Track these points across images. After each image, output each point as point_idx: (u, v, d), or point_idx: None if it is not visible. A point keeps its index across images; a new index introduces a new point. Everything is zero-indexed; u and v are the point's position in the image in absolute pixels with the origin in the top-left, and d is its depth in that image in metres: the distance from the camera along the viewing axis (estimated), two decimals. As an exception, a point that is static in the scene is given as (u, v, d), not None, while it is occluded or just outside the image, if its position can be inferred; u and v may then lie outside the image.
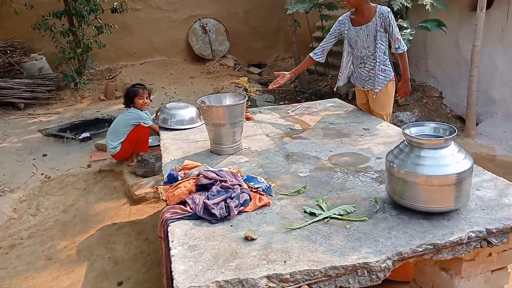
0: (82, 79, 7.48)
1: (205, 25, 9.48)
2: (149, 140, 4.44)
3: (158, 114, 3.42)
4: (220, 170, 2.11)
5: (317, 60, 3.34)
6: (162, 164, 2.61)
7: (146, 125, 4.17)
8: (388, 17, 3.02)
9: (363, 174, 2.25)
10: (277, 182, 2.22)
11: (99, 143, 5.00)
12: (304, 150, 2.68)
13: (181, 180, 2.09)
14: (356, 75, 3.37)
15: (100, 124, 6.00)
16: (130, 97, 4.15)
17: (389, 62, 3.20)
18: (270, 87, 3.35)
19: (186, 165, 2.23)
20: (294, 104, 3.96)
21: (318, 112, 3.58)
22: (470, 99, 4.28)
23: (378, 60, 3.13)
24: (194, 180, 2.04)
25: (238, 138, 2.73)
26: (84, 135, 5.52)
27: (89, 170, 4.50)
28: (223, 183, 1.98)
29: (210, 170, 2.05)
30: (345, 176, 2.24)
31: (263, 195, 2.01)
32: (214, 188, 1.94)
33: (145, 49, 9.41)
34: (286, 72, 3.38)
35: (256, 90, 7.53)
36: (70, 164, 4.68)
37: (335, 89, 4.22)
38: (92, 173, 4.42)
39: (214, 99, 2.82)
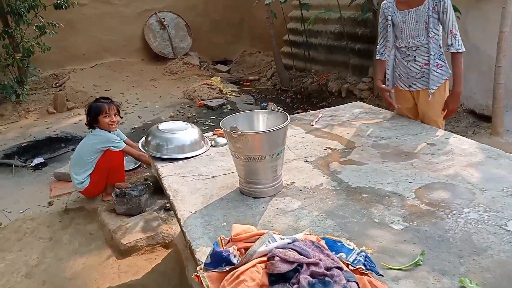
0: (24, 89, 6.38)
1: (162, 19, 8.57)
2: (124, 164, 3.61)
3: (149, 139, 2.62)
4: (295, 241, 1.40)
5: (385, 58, 2.82)
6: (182, 222, 1.85)
7: (117, 149, 3.34)
8: (443, 0, 2.41)
9: (486, 220, 1.62)
10: (368, 244, 1.54)
11: (59, 172, 4.07)
12: (371, 182, 2.03)
13: (239, 263, 1.35)
14: (400, 72, 2.74)
15: (54, 145, 5.04)
16: (93, 116, 3.30)
17: (444, 57, 2.59)
18: (391, 108, 2.91)
19: (238, 234, 1.48)
20: (312, 112, 3.28)
21: (349, 121, 2.93)
22: (497, 92, 3.82)
23: (432, 53, 2.53)
24: (263, 265, 1.31)
25: (279, 173, 2.02)
26: (37, 160, 4.55)
27: (52, 210, 3.60)
28: (313, 268, 1.27)
29: (287, 247, 1.33)
30: (461, 225, 1.61)
31: (370, 276, 1.32)
32: (304, 280, 1.23)
33: (94, 50, 8.37)
34: (383, 86, 2.87)
35: (232, 91, 6.80)
36: (25, 203, 3.74)
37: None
38: (56, 214, 3.52)
39: (242, 121, 2.09)
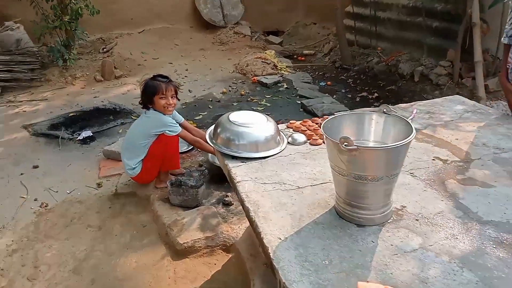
0: (71, 54, 6.15)
1: (214, -16, 8.08)
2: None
3: (218, 131, 2.26)
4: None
5: None
6: (270, 252, 1.49)
7: (173, 134, 3.00)
8: None
9: None
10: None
11: (109, 150, 3.81)
12: (508, 214, 1.59)
13: None
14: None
15: (102, 117, 4.80)
16: (148, 95, 2.96)
17: None
18: None
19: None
20: (403, 106, 2.81)
21: (453, 122, 2.46)
22: None
23: None
24: None
25: (392, 198, 1.62)
26: (84, 134, 4.33)
27: (101, 192, 3.35)
28: None
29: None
30: None
31: None
32: None
33: (143, 15, 8.03)
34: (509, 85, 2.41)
35: (287, 67, 6.32)
36: (73, 182, 3.52)
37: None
38: (106, 198, 3.28)
39: (348, 125, 1.68)
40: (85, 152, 4.03)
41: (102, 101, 5.32)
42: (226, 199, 3.07)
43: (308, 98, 5.13)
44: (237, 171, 2.02)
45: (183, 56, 7.27)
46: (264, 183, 1.91)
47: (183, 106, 5.06)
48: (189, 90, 5.57)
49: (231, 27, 8.10)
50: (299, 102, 4.99)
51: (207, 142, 2.51)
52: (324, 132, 1.56)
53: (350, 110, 4.60)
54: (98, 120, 4.70)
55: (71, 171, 3.71)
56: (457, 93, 4.69)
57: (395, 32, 5.95)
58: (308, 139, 2.33)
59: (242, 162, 2.11)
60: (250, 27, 8.36)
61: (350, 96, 5.35)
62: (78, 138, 4.27)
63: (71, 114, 4.82)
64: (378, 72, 5.62)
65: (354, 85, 5.72)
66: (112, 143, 4.13)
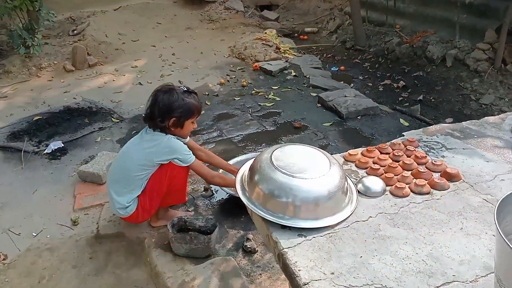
0: (35, 39, 5.16)
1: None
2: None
3: (255, 181, 1.50)
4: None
5: None
6: None
7: (184, 164, 2.22)
8: None
9: None
10: None
11: (86, 172, 2.99)
12: None
13: None
14: None
15: (75, 120, 3.94)
16: (182, 118, 2.21)
17: None
18: None
19: None
20: (489, 120, 2.08)
21: None
22: None
23: None
24: None
25: None
26: (53, 145, 3.49)
27: (78, 234, 2.58)
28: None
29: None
30: None
31: None
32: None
33: (118, -12, 6.99)
34: None
35: (290, 48, 5.50)
36: (40, 217, 2.73)
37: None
38: (85, 243, 2.50)
39: None
40: (55, 172, 3.20)
41: (74, 98, 4.43)
42: (248, 244, 2.32)
43: (323, 89, 4.35)
44: (297, 257, 1.27)
45: (168, 37, 6.35)
46: (350, 285, 1.16)
47: (175, 103, 4.21)
48: (179, 81, 4.71)
49: (221, 2, 7.16)
50: (315, 94, 4.20)
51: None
52: (499, 229, 0.82)
53: (379, 104, 3.85)
54: (70, 124, 3.84)
55: (37, 200, 2.89)
56: (500, 81, 3.99)
57: (416, 7, 5.17)
58: (387, 185, 1.58)
59: (300, 235, 1.35)
60: (241, 1, 7.42)
61: (370, 84, 4.59)
62: (46, 151, 3.42)
63: (36, 118, 3.94)
64: (401, 55, 4.85)
65: (372, 70, 4.96)
66: (89, 157, 3.32)
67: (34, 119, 3.92)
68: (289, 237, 1.35)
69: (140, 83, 4.75)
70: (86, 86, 4.77)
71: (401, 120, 3.60)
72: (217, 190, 2.80)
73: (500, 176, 1.60)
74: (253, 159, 1.62)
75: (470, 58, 4.21)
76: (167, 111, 2.15)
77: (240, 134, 3.50)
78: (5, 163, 3.34)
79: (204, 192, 2.82)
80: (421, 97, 4.03)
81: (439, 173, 1.65)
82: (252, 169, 1.53)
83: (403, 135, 1.99)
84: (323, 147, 3.23)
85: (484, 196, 1.50)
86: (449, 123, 3.57)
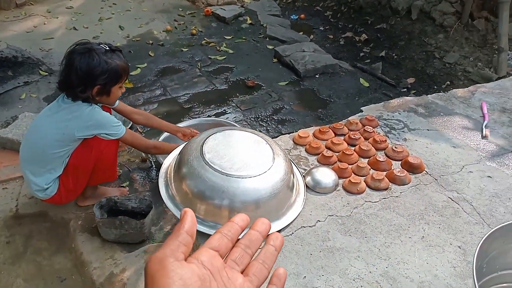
0: None
1: None
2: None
3: (185, 184, 1.25)
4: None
5: None
6: None
7: (113, 138, 1.91)
8: None
9: None
10: None
11: (4, 138, 2.61)
12: None
13: None
14: None
15: (-2, 72, 3.44)
16: (106, 83, 1.83)
17: None
18: None
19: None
20: (458, 92, 1.89)
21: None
22: None
23: None
24: None
25: None
26: (-32, 103, 3.01)
27: (-7, 213, 2.24)
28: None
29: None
30: None
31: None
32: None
33: None
34: None
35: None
36: (-51, 192, 2.36)
37: None
38: (2, 224, 2.20)
39: None
40: (-30, 136, 2.78)
41: (-3, 45, 3.87)
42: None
43: (281, 41, 4.02)
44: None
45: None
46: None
47: (113, 54, 3.77)
48: (120, 27, 4.22)
49: None
50: (271, 47, 3.87)
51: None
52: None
53: (337, 59, 3.60)
54: (-10, 77, 3.35)
55: None
56: (466, 38, 3.81)
57: None
58: (340, 177, 1.36)
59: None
60: None
61: (331, 37, 4.28)
62: (-41, 110, 2.97)
63: (-52, 68, 3.41)
64: (364, 4, 4.53)
65: (334, 20, 4.63)
66: (12, 118, 2.92)
67: None
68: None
69: (75, 28, 4.22)
70: (12, 30, 4.19)
71: (361, 80, 3.38)
72: (155, 161, 2.52)
73: (468, 167, 1.42)
74: (184, 145, 1.35)
75: (437, 10, 3.98)
76: (88, 78, 1.78)
77: (187, 93, 3.17)
78: None
79: (141, 163, 2.53)
80: (383, 53, 3.80)
81: (400, 162, 1.45)
82: (179, 162, 1.26)
83: (362, 111, 1.76)
84: (277, 110, 2.98)
85: (449, 193, 1.32)
86: (410, 83, 3.43)
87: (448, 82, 3.39)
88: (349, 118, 1.69)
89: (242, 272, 0.46)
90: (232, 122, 2.58)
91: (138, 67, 3.53)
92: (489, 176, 1.38)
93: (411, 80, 3.43)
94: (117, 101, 2.15)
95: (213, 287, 0.41)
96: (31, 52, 3.76)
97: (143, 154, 2.57)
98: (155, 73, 3.47)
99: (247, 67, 3.57)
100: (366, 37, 4.13)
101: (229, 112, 2.95)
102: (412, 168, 1.40)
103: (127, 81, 3.27)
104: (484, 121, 1.64)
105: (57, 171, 1.93)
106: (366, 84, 3.35)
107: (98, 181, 2.12)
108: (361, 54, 3.92)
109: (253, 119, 2.87)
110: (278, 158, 1.24)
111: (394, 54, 3.83)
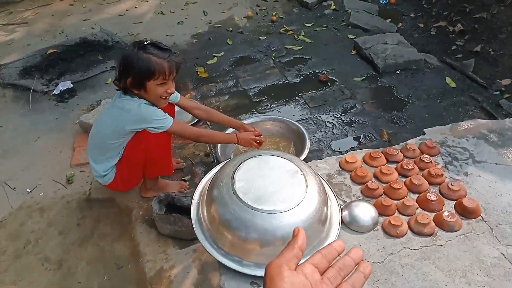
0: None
1: None
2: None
3: (212, 215, 1.25)
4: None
5: None
6: None
7: (160, 131, 1.96)
8: None
9: None
10: None
11: (86, 123, 2.84)
12: None
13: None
14: None
15: (89, 56, 3.76)
16: (139, 78, 1.85)
17: None
18: None
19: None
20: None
21: None
22: None
23: None
24: None
25: None
26: (62, 86, 3.35)
27: (70, 194, 2.49)
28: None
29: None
30: None
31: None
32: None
33: None
34: None
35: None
36: (37, 170, 2.68)
37: None
38: (76, 205, 2.43)
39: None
40: (60, 117, 3.08)
41: (93, 28, 4.19)
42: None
43: (364, 29, 3.80)
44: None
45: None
46: None
47: (194, 41, 3.87)
48: (204, 12, 4.29)
49: None
50: (352, 37, 3.68)
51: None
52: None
53: (424, 52, 3.31)
54: (82, 60, 3.65)
55: (38, 149, 2.82)
56: None
57: None
58: (381, 215, 1.27)
59: (253, 283, 1.12)
60: None
61: (421, 25, 3.93)
62: (54, 92, 3.29)
63: (50, 51, 3.76)
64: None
65: (428, 6, 4.23)
66: (96, 102, 3.17)
67: (47, 53, 3.76)
68: (239, 285, 1.12)
69: (162, 12, 4.39)
70: (107, 13, 4.49)
71: (448, 79, 3.07)
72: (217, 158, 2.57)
73: (533, 218, 1.23)
74: (222, 165, 1.35)
75: (552, -1, 3.44)
76: (123, 68, 1.85)
77: (258, 86, 3.16)
78: (14, 103, 3.26)
79: (205, 157, 2.60)
80: (478, 48, 3.40)
81: (454, 202, 1.30)
82: (213, 184, 1.26)
83: (424, 133, 1.60)
84: (347, 110, 2.84)
85: (503, 248, 1.16)
86: (504, 85, 3.04)
87: (554, 87, 2.96)
88: (408, 142, 1.55)
89: None
90: (296, 123, 2.52)
91: (215, 56, 3.58)
92: (561, 232, 1.18)
93: (506, 81, 3.04)
94: (179, 96, 2.22)
95: None
96: (121, 37, 4.00)
97: (208, 148, 2.64)
98: (230, 62, 3.50)
99: (323, 59, 3.43)
100: (461, 28, 3.72)
101: (297, 109, 2.88)
102: (466, 212, 1.25)
103: (202, 70, 3.37)
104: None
105: (113, 160, 2.07)
106: (453, 84, 3.04)
107: (154, 174, 2.23)
108: (453, 47, 3.55)
109: (319, 119, 2.78)
110: (311, 192, 1.19)
111: (491, 50, 3.41)
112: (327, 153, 2.51)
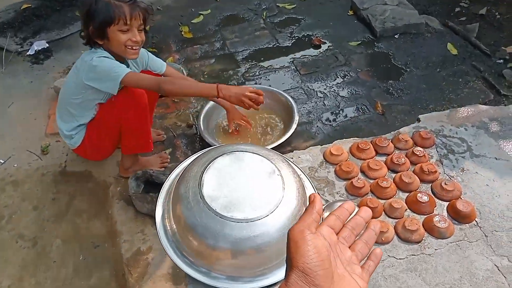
0: None
1: None
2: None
3: (178, 215, 1.13)
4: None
5: None
6: None
7: (116, 87, 1.81)
8: None
9: None
10: None
11: (60, 88, 2.66)
12: None
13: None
14: None
15: (66, 13, 3.50)
16: (99, 24, 1.71)
17: None
18: None
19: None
20: None
21: None
22: None
23: None
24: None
25: None
26: (37, 45, 3.15)
27: (45, 166, 2.38)
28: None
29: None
30: None
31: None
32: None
33: None
34: None
35: None
36: (11, 139, 2.55)
37: None
38: (51, 179, 2.34)
39: None
40: (35, 81, 2.91)
41: (71, -20, 3.87)
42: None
43: (363, -12, 3.54)
44: None
45: None
46: None
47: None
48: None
49: None
50: (350, -2, 3.44)
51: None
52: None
53: (428, 15, 3.10)
54: (59, 17, 3.41)
55: (12, 116, 2.68)
56: None
57: None
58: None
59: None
60: None
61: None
62: (29, 52, 3.08)
63: (24, 6, 3.50)
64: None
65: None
66: (73, 64, 2.95)
67: (21, 8, 3.50)
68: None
69: (146, -37, 4.06)
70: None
71: (449, 46, 2.88)
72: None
73: (532, 225, 1.13)
74: (194, 157, 1.22)
75: None
76: (84, 17, 1.72)
77: (246, 49, 2.96)
78: (-14, 63, 3.06)
79: (187, 128, 2.46)
80: (483, 11, 3.18)
81: (447, 203, 1.19)
82: (180, 182, 1.14)
83: (419, 120, 1.46)
84: (340, 78, 2.68)
85: (497, 259, 1.06)
86: (509, 53, 2.85)
87: (562, 55, 2.78)
88: (400, 131, 1.41)
89: (349, 247, 0.62)
90: (284, 94, 2.37)
91: (201, 14, 3.34)
92: (560, 241, 1.09)
93: (511, 48, 2.86)
94: (164, 65, 2.06)
95: (332, 256, 0.57)
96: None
97: (190, 119, 2.49)
98: (217, 22, 3.27)
99: (317, 20, 3.21)
100: (472, -13, 3.48)
101: (287, 77, 2.71)
102: (459, 217, 1.15)
103: (187, 30, 3.16)
104: None
105: (79, 120, 1.95)
106: (454, 51, 2.86)
107: (131, 150, 2.10)
108: (457, 9, 3.32)
109: (311, 88, 2.62)
110: (288, 196, 1.08)
111: (497, 13, 3.19)
112: (317, 126, 2.38)
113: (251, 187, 1.07)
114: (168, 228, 1.12)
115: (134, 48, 1.77)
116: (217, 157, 1.13)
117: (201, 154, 1.20)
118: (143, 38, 1.79)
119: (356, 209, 0.67)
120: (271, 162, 1.13)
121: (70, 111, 1.94)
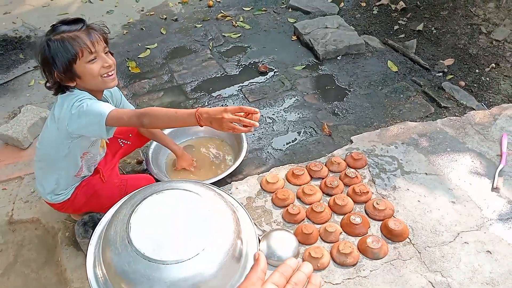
0: None
1: None
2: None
3: (107, 261, 1.09)
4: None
5: None
6: None
7: (102, 125, 1.64)
8: None
9: None
10: None
11: (4, 135, 2.59)
12: None
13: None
14: None
15: (9, 55, 3.43)
16: (64, 66, 1.52)
17: None
18: None
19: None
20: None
21: None
22: None
23: None
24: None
25: None
26: (-21, 91, 3.03)
27: (-10, 218, 2.27)
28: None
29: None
30: None
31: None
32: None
33: None
34: None
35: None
36: (-48, 193, 2.41)
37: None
38: (-4, 231, 2.21)
39: None
40: (-22, 128, 2.80)
41: (14, 22, 3.83)
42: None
43: (304, 12, 3.66)
44: None
45: None
46: None
47: (124, 32, 3.60)
48: (136, -1, 4.01)
49: None
50: (293, 21, 3.54)
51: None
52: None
53: (368, 34, 3.22)
54: (2, 61, 3.33)
55: (-47, 167, 2.55)
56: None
57: None
58: (303, 244, 1.17)
59: None
60: None
61: (364, 4, 3.82)
62: (-30, 99, 2.99)
63: (-35, 51, 3.42)
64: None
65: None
66: (19, 108, 2.91)
67: (-38, 54, 3.41)
68: None
69: (89, 1, 4.07)
70: (29, 4, 4.12)
71: (389, 63, 3.00)
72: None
73: (464, 236, 1.17)
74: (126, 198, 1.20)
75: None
76: (43, 65, 1.56)
77: (194, 80, 2.98)
78: None
79: (137, 165, 2.43)
80: (420, 27, 3.34)
81: (380, 222, 1.22)
82: (108, 225, 1.12)
83: (351, 141, 1.51)
84: (287, 103, 2.73)
85: (431, 275, 1.09)
86: (447, 65, 3.00)
87: (493, 65, 2.94)
88: (334, 153, 1.45)
89: None
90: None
91: (148, 48, 3.35)
92: (488, 251, 1.13)
93: (449, 61, 3.00)
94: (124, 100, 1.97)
95: None
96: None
97: (141, 155, 2.47)
98: (164, 55, 3.28)
99: (263, 47, 3.28)
100: (404, 5, 3.65)
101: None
102: (392, 236, 1.18)
103: (134, 65, 3.15)
104: (499, 165, 1.34)
105: (63, 174, 1.82)
106: (394, 68, 2.97)
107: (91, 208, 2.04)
108: (395, 27, 3.48)
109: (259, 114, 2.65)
110: (222, 231, 1.07)
111: (433, 28, 3.35)
112: (267, 152, 2.40)
113: (182, 226, 1.06)
114: (100, 276, 1.09)
115: (110, 74, 1.61)
116: (146, 197, 1.11)
117: (132, 195, 1.18)
118: (114, 60, 1.63)
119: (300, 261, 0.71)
120: (204, 198, 1.12)
121: (56, 165, 1.79)
